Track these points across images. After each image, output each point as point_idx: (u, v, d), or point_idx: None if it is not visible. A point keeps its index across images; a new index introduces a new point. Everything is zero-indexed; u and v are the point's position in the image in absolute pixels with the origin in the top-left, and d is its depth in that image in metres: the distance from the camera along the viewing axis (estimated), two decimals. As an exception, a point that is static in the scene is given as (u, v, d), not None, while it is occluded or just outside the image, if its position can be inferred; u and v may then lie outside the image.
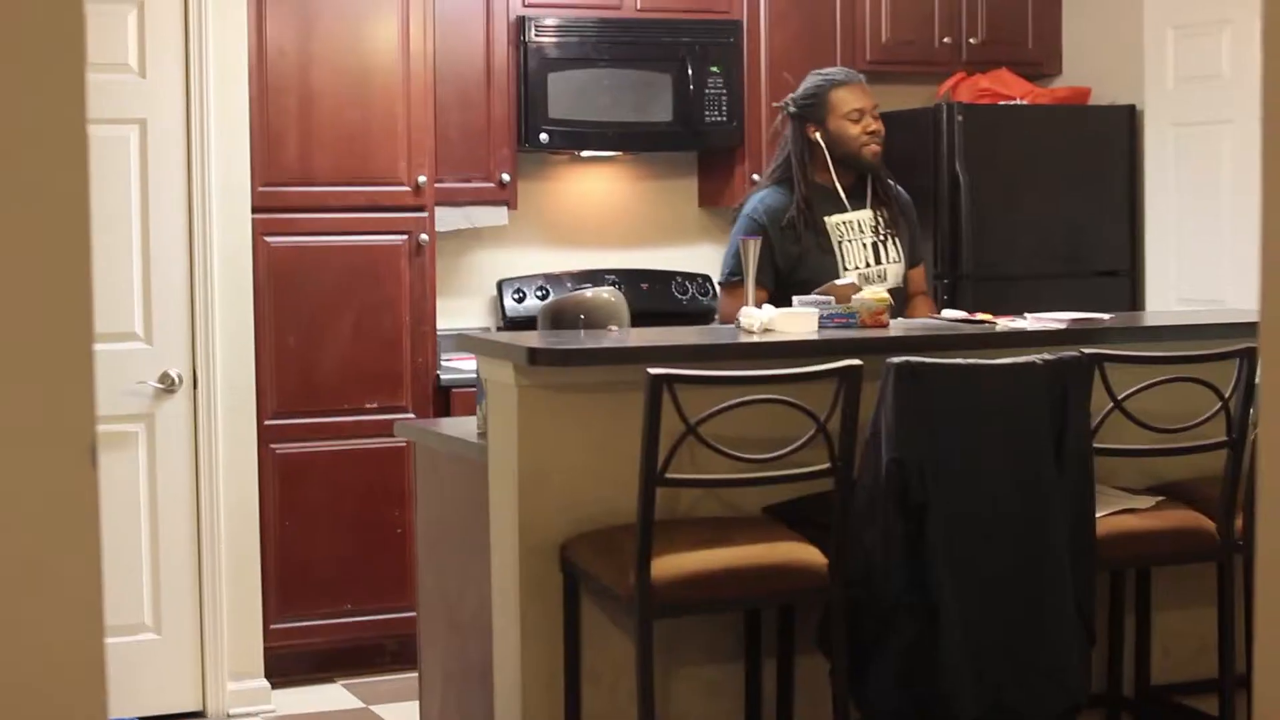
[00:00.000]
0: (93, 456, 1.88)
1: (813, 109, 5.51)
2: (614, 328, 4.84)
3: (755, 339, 4.45)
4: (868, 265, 5.46)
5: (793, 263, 5.38)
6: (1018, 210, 7.17)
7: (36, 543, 1.84)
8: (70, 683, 1.89)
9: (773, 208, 5.45)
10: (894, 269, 5.52)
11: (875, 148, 5.48)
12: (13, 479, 1.82)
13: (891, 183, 5.66)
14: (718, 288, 5.63)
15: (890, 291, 5.42)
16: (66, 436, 1.87)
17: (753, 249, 4.91)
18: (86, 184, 1.92)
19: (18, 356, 1.81)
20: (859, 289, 4.84)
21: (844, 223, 5.46)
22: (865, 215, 5.50)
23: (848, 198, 5.49)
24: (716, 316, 7.20)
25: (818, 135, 5.48)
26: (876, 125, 5.50)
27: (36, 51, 1.81)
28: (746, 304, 4.82)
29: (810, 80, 5.61)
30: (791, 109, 5.56)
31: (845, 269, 5.41)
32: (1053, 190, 7.23)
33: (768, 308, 4.65)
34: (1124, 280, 7.35)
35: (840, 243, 5.44)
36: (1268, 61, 1.79)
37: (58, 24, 1.86)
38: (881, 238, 5.51)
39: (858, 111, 5.48)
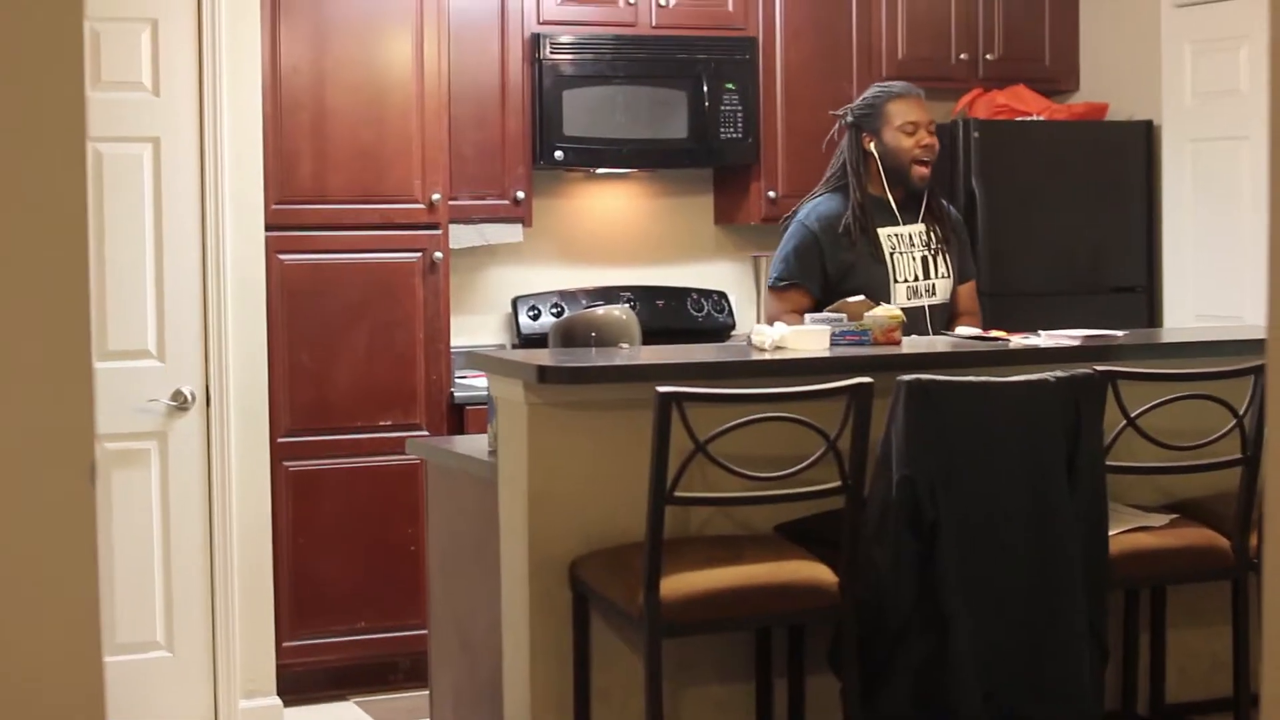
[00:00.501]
0: (91, 476, 1.88)
1: (868, 119, 5.49)
2: (625, 345, 4.83)
3: (766, 356, 4.44)
4: (917, 279, 5.44)
5: (844, 270, 5.36)
6: (1034, 227, 7.14)
7: (34, 561, 1.83)
8: (68, 700, 1.89)
9: (825, 215, 5.44)
10: (943, 284, 5.50)
11: (923, 169, 5.43)
12: (11, 498, 1.81)
13: (944, 201, 5.64)
14: (766, 290, 5.61)
15: (937, 307, 5.41)
16: (65, 456, 1.86)
17: (764, 266, 4.91)
18: (84, 204, 1.92)
19: (16, 377, 1.80)
20: (872, 306, 4.83)
21: (896, 235, 5.44)
22: (918, 229, 5.48)
23: (901, 210, 5.47)
24: (732, 334, 7.20)
25: (872, 145, 5.47)
26: (930, 140, 5.47)
27: (35, 72, 1.80)
28: (759, 322, 4.81)
29: (869, 91, 5.62)
30: (848, 118, 5.54)
31: (895, 281, 5.40)
32: (1069, 206, 7.21)
33: (779, 325, 4.64)
34: (1141, 296, 7.33)
35: (892, 254, 5.42)
36: (1275, 77, 1.77)
37: (56, 45, 1.86)
38: (932, 252, 5.48)
39: (912, 124, 5.45)
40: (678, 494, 3.93)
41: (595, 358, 4.52)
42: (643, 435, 3.96)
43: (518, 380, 4.24)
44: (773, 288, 5.48)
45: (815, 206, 5.50)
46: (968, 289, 5.66)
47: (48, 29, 1.83)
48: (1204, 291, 7.10)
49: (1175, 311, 7.24)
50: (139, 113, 5.82)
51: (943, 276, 5.50)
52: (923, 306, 5.39)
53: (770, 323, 5.03)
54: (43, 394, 1.84)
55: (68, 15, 1.85)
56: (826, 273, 5.38)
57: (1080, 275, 7.25)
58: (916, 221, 5.49)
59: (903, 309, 5.31)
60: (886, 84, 5.66)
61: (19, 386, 1.82)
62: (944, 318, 5.49)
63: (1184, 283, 7.22)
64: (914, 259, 5.45)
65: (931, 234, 5.50)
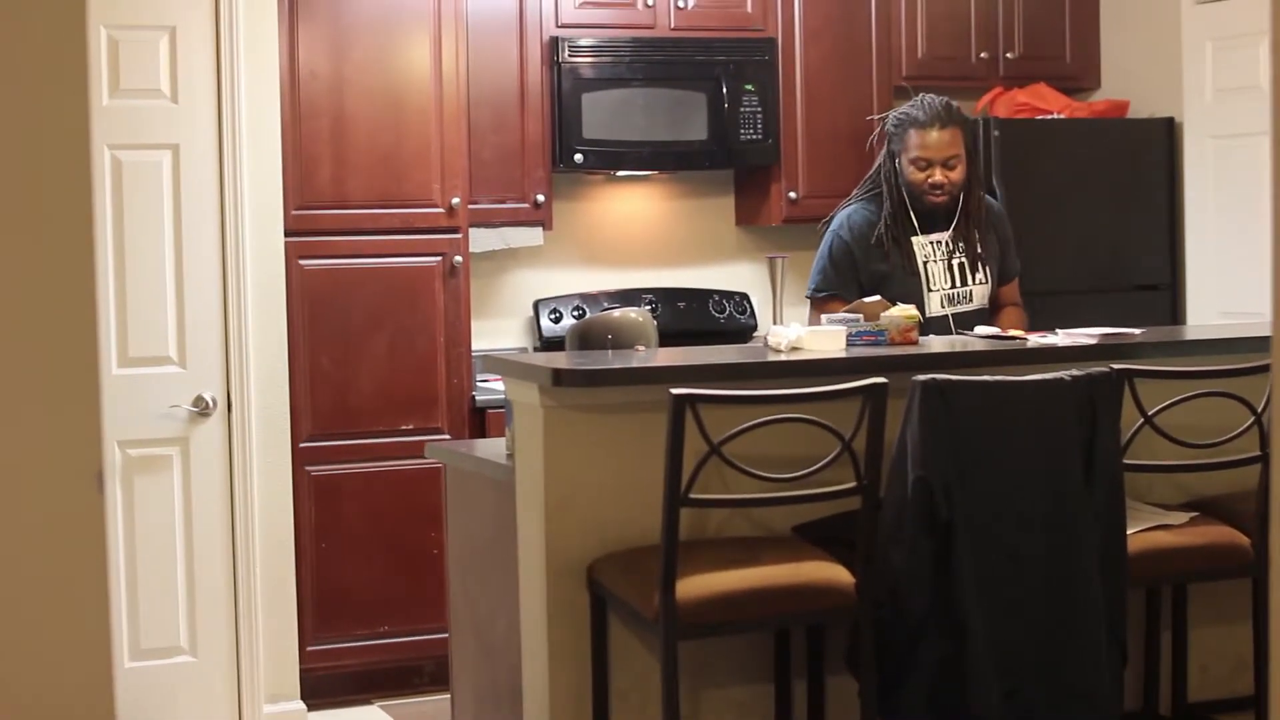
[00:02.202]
0: (99, 483, 1.89)
1: (894, 138, 5.45)
2: (641, 347, 4.82)
3: (781, 358, 4.43)
4: (952, 286, 5.40)
5: (877, 280, 5.33)
6: (1056, 225, 7.12)
7: (43, 569, 1.84)
8: (78, 708, 1.89)
9: (858, 224, 5.42)
10: (979, 290, 5.46)
11: (933, 200, 5.39)
12: (19, 506, 1.82)
13: (983, 194, 5.58)
14: (807, 302, 5.58)
15: (972, 313, 5.37)
16: (73, 463, 1.87)
17: (780, 267, 4.91)
18: (90, 210, 1.92)
19: (23, 384, 1.81)
20: (888, 306, 4.82)
21: (931, 243, 5.41)
22: (950, 236, 5.44)
23: (933, 219, 5.42)
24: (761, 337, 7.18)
25: (897, 163, 5.43)
26: (943, 177, 5.38)
27: (38, 80, 1.81)
28: (778, 324, 4.80)
29: (906, 105, 5.52)
30: (885, 126, 5.51)
31: (930, 290, 5.37)
32: (1091, 204, 7.19)
33: (795, 325, 4.63)
34: (1164, 294, 7.30)
35: (925, 263, 5.39)
36: (1277, 76, 1.76)
37: (60, 52, 1.86)
38: (967, 259, 5.44)
39: (924, 160, 5.37)
40: (693, 496, 3.93)
41: (610, 360, 4.52)
42: (659, 437, 3.95)
43: (533, 383, 4.25)
44: (812, 299, 5.47)
45: (849, 216, 5.47)
46: (1012, 288, 5.63)
47: (51, 35, 1.84)
48: (1227, 288, 7.07)
49: (1198, 309, 7.21)
50: (158, 120, 5.83)
51: (979, 283, 5.47)
52: (947, 316, 5.36)
53: None
54: (50, 401, 1.84)
55: (72, 21, 1.86)
56: (860, 282, 5.36)
57: (1103, 273, 7.23)
58: (949, 229, 5.44)
59: (933, 317, 5.29)
60: (923, 103, 5.48)
61: (26, 393, 1.83)
62: (982, 323, 5.42)
63: (1207, 280, 7.19)
64: (948, 267, 5.41)
65: (965, 240, 5.45)
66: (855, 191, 5.59)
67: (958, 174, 5.40)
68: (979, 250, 5.47)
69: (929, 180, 5.36)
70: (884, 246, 5.37)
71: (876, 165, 5.53)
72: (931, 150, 5.38)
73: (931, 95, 5.52)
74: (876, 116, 5.68)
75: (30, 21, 1.81)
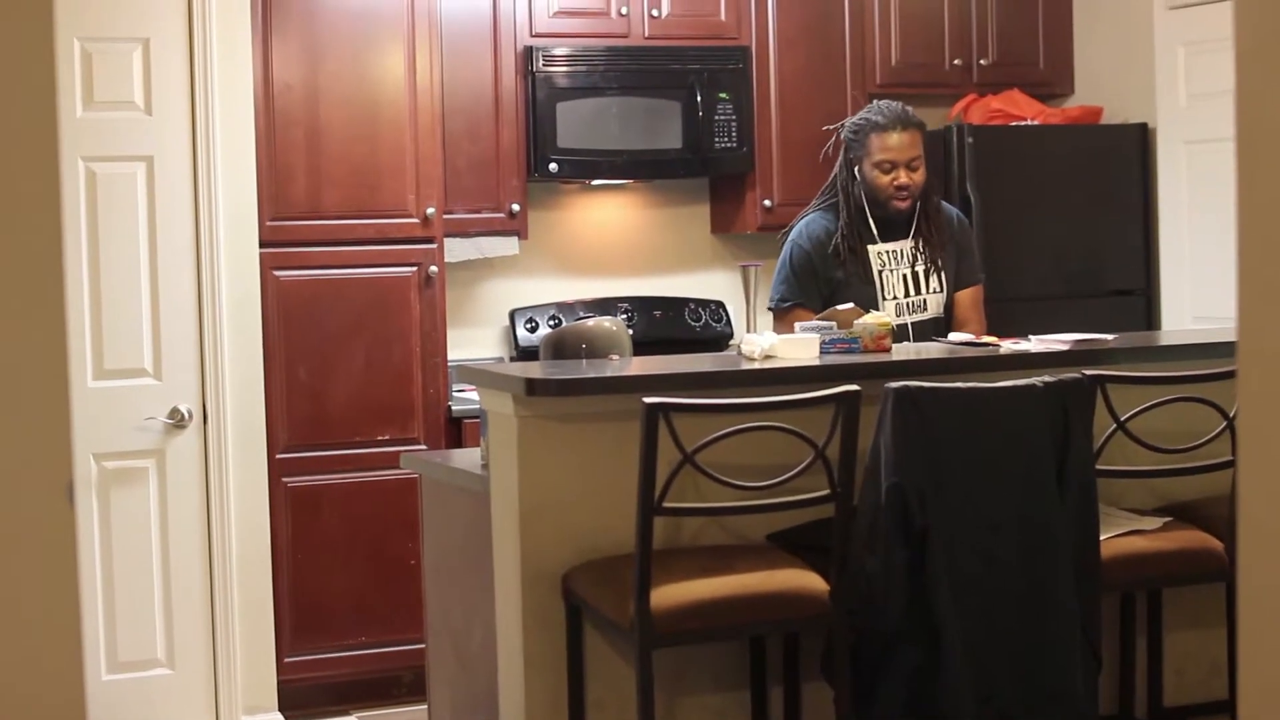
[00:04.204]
0: (69, 495, 1.88)
1: (854, 144, 5.44)
2: (615, 356, 4.83)
3: (755, 366, 4.44)
4: (906, 295, 5.41)
5: (834, 289, 5.34)
6: (1030, 231, 7.14)
7: (12, 583, 1.83)
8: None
9: (816, 234, 5.42)
10: (934, 299, 5.46)
11: (899, 204, 5.39)
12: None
13: (941, 201, 5.59)
14: (770, 313, 5.57)
15: (926, 322, 5.38)
16: (42, 476, 1.86)
17: (752, 275, 4.92)
18: (59, 220, 1.92)
19: (-9, 397, 1.81)
20: (862, 314, 4.82)
21: (886, 252, 5.42)
22: (907, 244, 5.44)
23: (890, 227, 5.43)
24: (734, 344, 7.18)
25: (857, 170, 5.44)
26: (908, 179, 5.38)
27: (5, 92, 1.81)
28: (751, 332, 4.80)
29: (862, 112, 5.52)
30: (842, 134, 5.51)
31: (884, 299, 5.37)
32: (1066, 210, 7.21)
33: (768, 334, 4.64)
34: (1139, 300, 7.32)
35: (880, 272, 5.39)
36: (1241, 84, 1.77)
37: (26, 62, 1.86)
38: (923, 268, 5.45)
39: (889, 163, 5.37)
40: (666, 504, 3.94)
41: (584, 370, 4.52)
42: (633, 446, 3.95)
43: (507, 393, 4.25)
44: (775, 309, 5.47)
45: (808, 224, 5.49)
46: (969, 295, 5.60)
47: (18, 46, 1.84)
48: (1202, 293, 7.10)
49: (1173, 314, 7.23)
50: (132, 132, 5.83)
51: (934, 291, 5.48)
52: (906, 324, 5.37)
53: None
54: (19, 413, 1.84)
55: (38, 32, 1.85)
56: (820, 291, 5.37)
57: (1078, 279, 7.25)
58: (907, 237, 5.45)
59: None
60: (880, 107, 5.48)
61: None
62: (938, 331, 5.44)
63: (1182, 285, 7.22)
64: (902, 276, 5.42)
65: (921, 249, 5.46)
66: (814, 201, 5.60)
67: (920, 176, 5.41)
68: (937, 259, 5.48)
69: (894, 183, 5.37)
70: (841, 255, 5.38)
71: (833, 175, 5.53)
72: (894, 152, 5.38)
73: (887, 100, 5.54)
74: (832, 126, 5.67)
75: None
